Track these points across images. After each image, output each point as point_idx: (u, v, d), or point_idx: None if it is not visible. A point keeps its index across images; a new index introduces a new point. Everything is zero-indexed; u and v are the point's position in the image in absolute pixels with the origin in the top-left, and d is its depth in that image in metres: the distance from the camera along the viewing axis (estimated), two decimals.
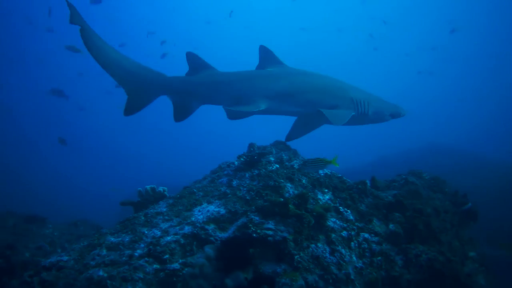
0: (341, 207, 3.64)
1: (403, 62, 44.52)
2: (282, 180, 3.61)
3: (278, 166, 3.82)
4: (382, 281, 3.22)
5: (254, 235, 3.02)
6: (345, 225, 3.47)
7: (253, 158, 3.77)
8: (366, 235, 3.49)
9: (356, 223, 3.60)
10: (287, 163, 3.91)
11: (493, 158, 15.84)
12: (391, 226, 3.62)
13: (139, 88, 4.49)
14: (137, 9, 43.72)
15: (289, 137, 4.87)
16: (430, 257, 3.29)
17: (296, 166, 3.89)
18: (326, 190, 3.80)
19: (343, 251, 3.20)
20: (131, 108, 4.52)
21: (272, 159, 3.89)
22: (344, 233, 3.38)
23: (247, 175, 3.70)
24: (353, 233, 3.44)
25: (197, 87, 4.60)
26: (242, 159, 3.81)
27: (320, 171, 4.01)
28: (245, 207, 3.34)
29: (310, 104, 4.47)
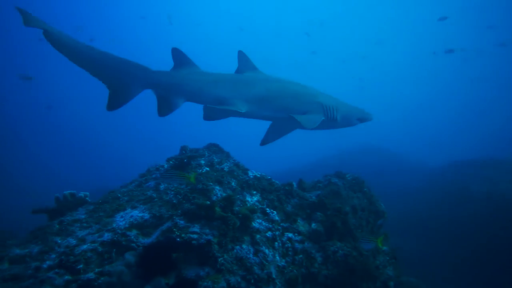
0: (268, 209, 3.80)
1: (339, 67, 47.34)
2: (210, 183, 3.65)
3: (208, 169, 3.85)
4: (302, 278, 3.44)
5: (178, 239, 3.03)
6: (270, 225, 3.62)
7: (182, 161, 3.75)
8: (290, 235, 3.69)
9: (282, 224, 3.79)
10: (217, 166, 3.96)
11: (414, 159, 17.60)
12: (313, 225, 3.87)
13: (121, 83, 4.33)
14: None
15: (264, 141, 5.04)
16: (346, 253, 3.59)
17: (226, 168, 3.96)
18: (254, 192, 3.93)
19: (266, 251, 3.35)
20: (114, 103, 4.32)
21: (202, 162, 3.91)
22: (269, 234, 3.53)
23: None
24: (277, 233, 3.61)
25: (182, 83, 4.54)
26: (171, 162, 3.77)
27: (250, 173, 4.14)
28: (171, 211, 3.32)
29: (284, 110, 4.63)
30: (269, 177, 4.21)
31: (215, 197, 3.53)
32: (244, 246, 3.29)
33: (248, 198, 3.79)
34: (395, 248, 4.68)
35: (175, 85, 4.51)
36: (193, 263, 3.04)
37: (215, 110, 4.46)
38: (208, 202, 3.34)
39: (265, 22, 47.45)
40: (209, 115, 4.56)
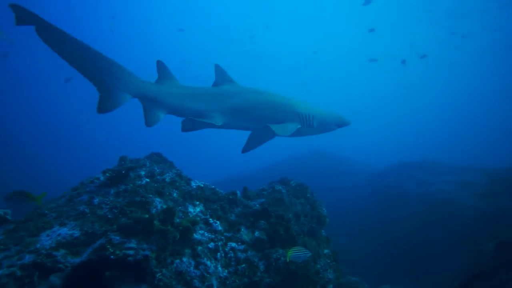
0: (211, 219, 3.76)
1: (285, 72, 48.47)
2: (150, 195, 3.52)
3: (148, 180, 3.72)
4: (244, 287, 3.45)
5: (112, 256, 2.86)
6: (213, 236, 3.59)
7: (120, 173, 3.57)
8: (233, 244, 3.68)
9: (225, 233, 3.77)
10: (158, 177, 3.84)
11: (359, 163, 18.67)
12: (256, 233, 3.91)
13: (113, 87, 4.30)
14: None
15: (245, 149, 5.27)
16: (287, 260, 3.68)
17: (168, 179, 3.85)
18: (197, 203, 3.87)
19: (208, 263, 3.31)
20: (105, 107, 4.25)
21: (142, 173, 3.76)
22: (211, 245, 3.49)
23: (112, 191, 3.48)
24: (220, 243, 3.58)
25: (166, 97, 4.63)
26: (107, 174, 3.57)
27: (193, 184, 4.07)
28: (105, 226, 3.14)
29: (261, 120, 4.81)
30: (213, 187, 4.17)
31: (154, 209, 3.41)
32: (184, 259, 3.21)
33: (191, 209, 3.72)
34: (336, 250, 4.91)
35: (159, 99, 4.59)
36: (129, 281, 2.90)
37: (194, 122, 4.54)
38: (147, 216, 3.22)
39: (207, 23, 46.65)
40: (187, 127, 4.64)
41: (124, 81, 4.37)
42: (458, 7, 33.54)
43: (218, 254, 3.49)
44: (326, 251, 4.68)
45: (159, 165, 4.21)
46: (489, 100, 50.15)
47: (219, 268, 3.41)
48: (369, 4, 16.76)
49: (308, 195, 4.93)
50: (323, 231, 4.96)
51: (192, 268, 3.19)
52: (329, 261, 4.48)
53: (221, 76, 5.18)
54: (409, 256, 9.13)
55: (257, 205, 4.17)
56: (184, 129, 4.69)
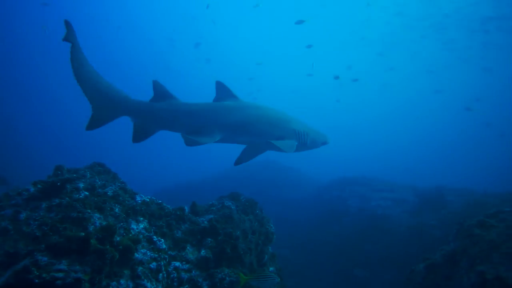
0: (155, 236, 3.57)
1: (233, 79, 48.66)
2: (89, 210, 3.24)
3: (87, 193, 3.42)
4: None
5: (37, 280, 2.56)
6: (156, 255, 3.40)
7: (54, 185, 3.23)
8: (177, 264, 3.53)
9: (169, 252, 3.60)
10: (99, 190, 3.55)
11: (306, 175, 19.36)
12: (203, 251, 3.79)
13: (105, 107, 4.72)
14: None
15: (239, 161, 5.50)
16: (232, 280, 3.62)
17: (110, 193, 3.59)
18: (141, 219, 3.66)
19: (148, 284, 3.12)
20: (94, 124, 4.72)
21: (81, 185, 3.45)
22: (153, 265, 3.30)
23: (43, 205, 3.13)
24: (163, 263, 3.41)
25: (158, 114, 4.89)
26: (39, 185, 3.21)
27: (138, 198, 3.84)
28: (32, 245, 2.81)
29: (259, 135, 4.98)
30: (160, 201, 3.98)
31: (92, 227, 3.14)
32: (122, 281, 2.99)
33: (134, 226, 3.50)
34: (281, 267, 4.96)
35: (151, 115, 4.89)
36: None
37: (190, 139, 4.67)
38: (83, 234, 2.95)
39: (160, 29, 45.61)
40: (188, 142, 4.78)
41: (116, 102, 4.74)
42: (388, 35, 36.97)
43: (160, 274, 3.31)
44: (271, 268, 4.71)
45: (101, 176, 3.91)
46: (418, 117, 55.93)
47: None
48: (301, 23, 17.61)
49: (257, 211, 4.94)
50: (269, 247, 5.00)
51: None
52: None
53: (223, 92, 5.34)
54: (347, 269, 9.59)
55: (205, 222, 4.06)
56: (187, 144, 4.81)
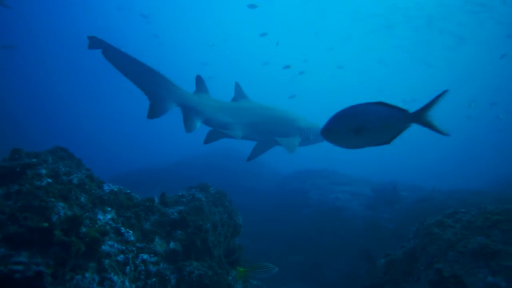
0: (122, 228, 3.43)
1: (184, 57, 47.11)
2: (52, 199, 3.02)
3: (50, 180, 3.18)
4: None
5: None
6: (123, 247, 3.28)
7: (13, 170, 2.96)
8: (145, 256, 3.44)
9: (137, 244, 3.49)
10: (64, 177, 3.32)
11: (270, 166, 19.63)
12: (172, 244, 3.73)
13: (159, 96, 4.92)
14: None
15: (250, 158, 6.26)
16: (201, 273, 3.61)
17: (75, 181, 3.36)
18: (109, 209, 3.49)
19: (115, 278, 3.01)
20: (154, 113, 4.90)
21: (43, 171, 3.20)
22: (120, 257, 3.19)
23: (0, 192, 2.87)
24: (131, 255, 3.30)
25: (201, 109, 5.24)
26: None
27: (106, 187, 3.65)
28: None
29: (269, 133, 5.57)
30: (128, 191, 3.82)
31: (56, 216, 2.94)
32: (87, 274, 2.86)
33: (100, 216, 3.33)
34: (246, 259, 5.04)
35: (198, 109, 5.22)
36: None
37: (217, 133, 5.34)
38: (46, 224, 2.76)
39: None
40: (211, 138, 5.52)
41: (172, 93, 5.00)
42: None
43: (128, 267, 3.21)
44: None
45: (64, 162, 3.65)
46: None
47: (127, 283, 3.14)
48: (254, 8, 17.48)
49: (226, 203, 4.94)
50: (236, 239, 5.04)
51: (95, 285, 2.86)
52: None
53: (238, 93, 5.94)
54: (306, 259, 9.98)
55: (175, 214, 3.98)
56: (207, 141, 5.55)
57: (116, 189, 3.68)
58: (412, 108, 2.29)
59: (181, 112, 5.13)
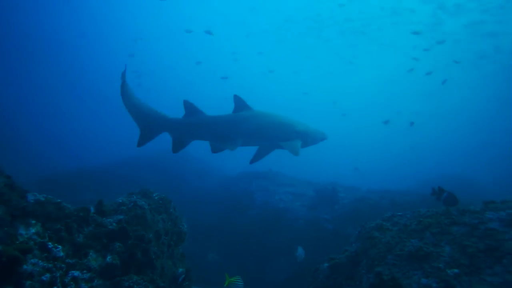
0: (50, 243, 3.02)
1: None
2: None
3: None
4: None
5: None
6: (50, 265, 2.89)
7: None
8: (77, 273, 3.07)
9: (67, 260, 3.10)
10: None
11: (215, 167, 19.42)
12: (108, 257, 3.39)
13: (151, 128, 6.03)
14: None
15: (253, 161, 6.91)
16: None
17: None
18: (33, 222, 3.05)
19: None
20: (142, 142, 6.11)
21: None
22: (46, 277, 2.80)
23: None
24: (59, 273, 2.92)
25: (191, 128, 6.04)
26: None
27: (30, 197, 3.18)
28: None
29: (270, 138, 6.18)
30: (58, 201, 3.38)
31: None
32: None
33: (22, 231, 2.89)
34: (189, 268, 4.83)
35: (184, 130, 6.08)
36: None
37: (217, 146, 6.04)
38: None
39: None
40: (215, 149, 6.17)
41: (158, 122, 5.95)
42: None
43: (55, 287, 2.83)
44: (180, 269, 4.54)
45: None
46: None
47: None
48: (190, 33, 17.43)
49: (171, 210, 4.68)
50: (180, 247, 4.81)
51: None
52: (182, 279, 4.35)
53: (239, 104, 6.38)
54: (250, 259, 10.01)
55: (114, 224, 3.64)
56: (213, 151, 6.21)
57: (43, 199, 3.23)
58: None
59: (170, 136, 6.04)
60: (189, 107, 6.10)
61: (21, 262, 2.62)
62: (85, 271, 3.14)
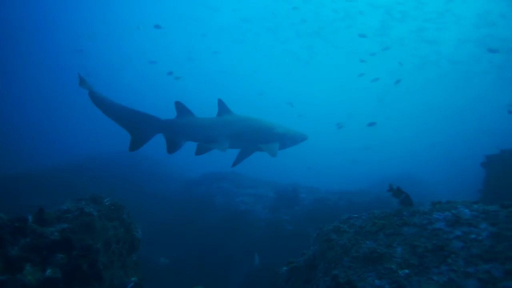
0: None
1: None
2: None
3: None
4: None
5: None
6: None
7: None
8: None
9: None
10: None
11: (174, 168, 18.93)
12: (48, 271, 3.08)
13: (141, 130, 5.97)
14: None
15: (235, 163, 7.34)
16: None
17: None
18: None
19: None
20: (134, 146, 6.05)
21: None
22: None
23: None
24: None
25: (183, 130, 6.25)
26: None
27: None
28: None
29: (252, 141, 6.54)
30: None
31: None
32: None
33: None
34: (143, 277, 4.58)
35: (178, 131, 6.15)
36: None
37: (205, 148, 6.38)
38: None
39: None
40: (200, 151, 6.56)
41: (149, 124, 5.91)
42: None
43: None
44: (133, 278, 4.28)
45: None
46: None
47: None
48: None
49: (124, 216, 4.39)
50: (134, 255, 4.54)
51: None
52: None
53: (222, 108, 6.78)
54: (210, 263, 9.82)
55: (56, 233, 3.32)
56: (197, 153, 6.61)
57: None
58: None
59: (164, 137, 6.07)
60: (180, 108, 6.32)
61: None
62: None
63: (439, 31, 29.87)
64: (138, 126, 5.83)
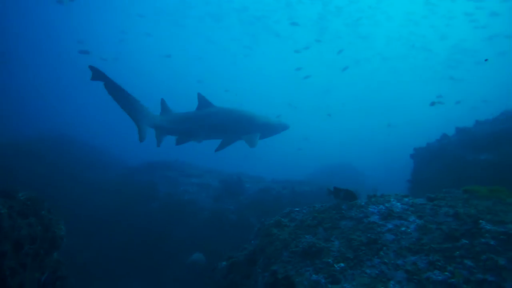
0: None
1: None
2: None
3: None
4: None
5: None
6: None
7: None
8: None
9: None
10: None
11: (111, 155, 17.75)
12: None
13: (141, 121, 6.62)
14: None
15: (218, 149, 7.88)
16: None
17: None
18: None
19: None
20: (142, 136, 6.65)
21: None
22: None
23: None
24: None
25: (165, 124, 7.11)
26: None
27: None
28: None
29: (232, 132, 7.08)
30: None
31: None
32: None
33: None
34: (66, 275, 4.13)
35: (162, 126, 7.15)
36: None
37: (184, 139, 7.31)
38: None
39: None
40: (180, 141, 7.47)
41: (147, 118, 6.81)
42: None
43: None
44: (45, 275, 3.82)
45: None
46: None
47: None
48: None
49: (42, 212, 3.86)
50: (55, 253, 4.05)
51: None
52: None
53: (202, 102, 7.31)
54: (149, 254, 9.39)
55: None
56: (177, 143, 7.40)
57: None
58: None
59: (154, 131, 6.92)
60: (163, 105, 6.95)
61: None
62: None
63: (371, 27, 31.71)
64: (140, 117, 6.51)
